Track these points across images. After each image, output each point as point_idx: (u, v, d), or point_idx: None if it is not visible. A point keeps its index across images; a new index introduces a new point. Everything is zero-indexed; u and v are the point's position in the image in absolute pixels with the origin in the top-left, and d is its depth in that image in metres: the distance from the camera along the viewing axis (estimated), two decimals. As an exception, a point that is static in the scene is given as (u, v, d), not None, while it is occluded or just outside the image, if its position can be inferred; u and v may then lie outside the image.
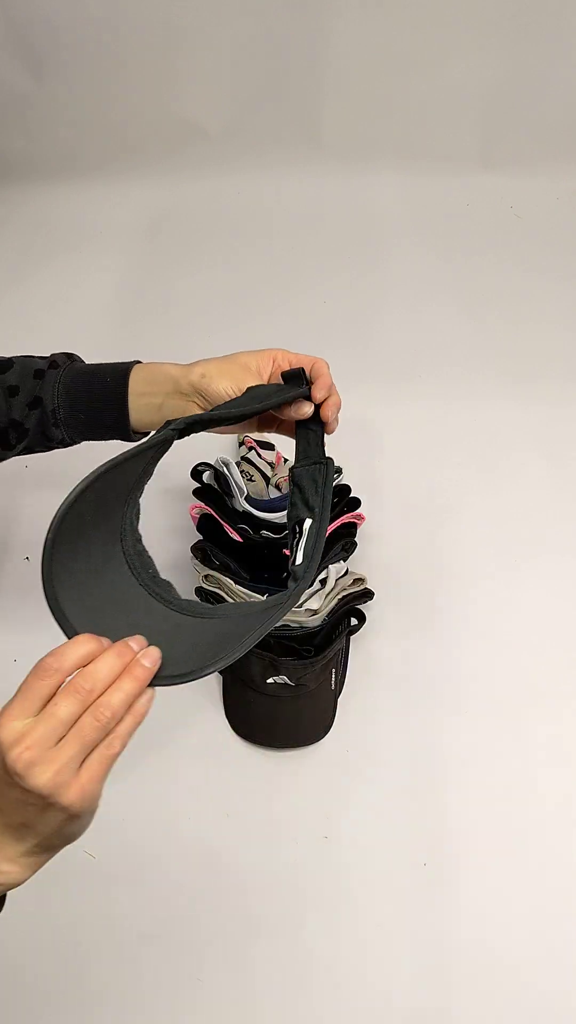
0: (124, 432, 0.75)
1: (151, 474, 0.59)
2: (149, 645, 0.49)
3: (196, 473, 1.07)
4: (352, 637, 1.00)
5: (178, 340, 1.35)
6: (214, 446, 1.18)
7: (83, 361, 0.78)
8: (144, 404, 0.72)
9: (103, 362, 0.75)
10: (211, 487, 1.07)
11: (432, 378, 1.29)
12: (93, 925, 0.83)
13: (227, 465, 1.06)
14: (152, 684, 0.49)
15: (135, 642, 0.49)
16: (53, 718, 0.45)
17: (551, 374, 1.30)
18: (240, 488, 1.05)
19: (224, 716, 0.95)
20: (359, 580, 1.00)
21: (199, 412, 0.69)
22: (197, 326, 1.37)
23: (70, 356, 0.78)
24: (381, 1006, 0.79)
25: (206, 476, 1.07)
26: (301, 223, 1.55)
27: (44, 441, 0.77)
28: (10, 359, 0.75)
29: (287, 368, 0.74)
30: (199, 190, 1.60)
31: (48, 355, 0.77)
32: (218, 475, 1.08)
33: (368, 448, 1.19)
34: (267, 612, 0.53)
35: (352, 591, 0.99)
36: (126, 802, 0.89)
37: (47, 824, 0.47)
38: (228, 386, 0.69)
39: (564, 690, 0.97)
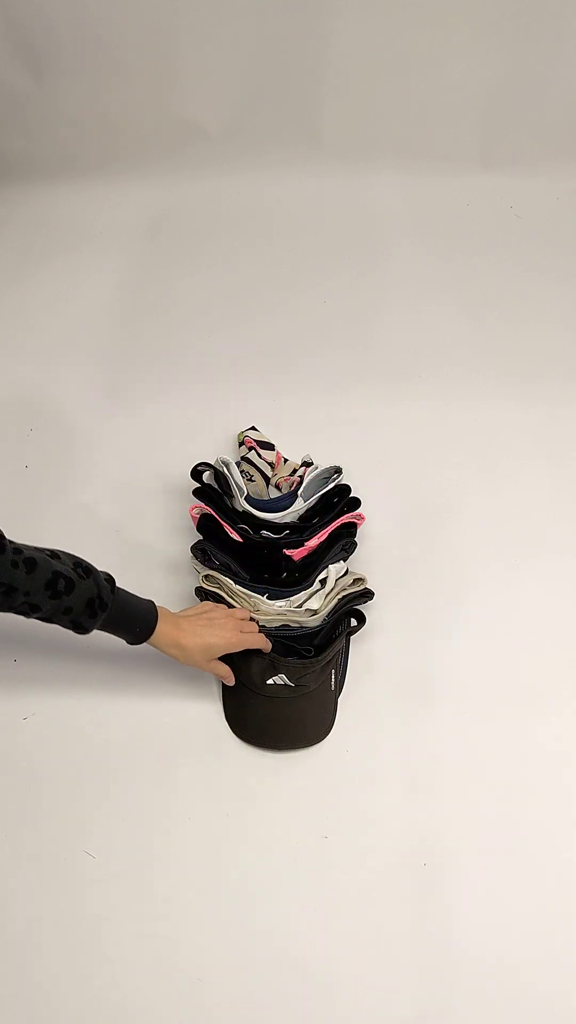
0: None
1: None
2: None
3: (196, 473, 1.07)
4: (352, 637, 1.00)
5: (178, 340, 1.35)
6: (214, 446, 1.19)
7: (116, 590, 0.85)
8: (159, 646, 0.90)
9: (130, 600, 0.86)
10: (211, 487, 1.07)
11: (432, 378, 1.29)
12: (93, 925, 0.83)
13: (227, 465, 1.06)
14: None
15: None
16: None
17: (551, 374, 1.30)
18: (240, 488, 1.05)
19: (223, 718, 0.95)
20: (359, 580, 1.00)
21: None
22: (197, 326, 1.37)
23: (111, 583, 0.85)
24: (381, 1006, 0.79)
25: (206, 476, 1.07)
26: (301, 223, 1.55)
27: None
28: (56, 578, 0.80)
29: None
30: (199, 190, 1.60)
31: (88, 569, 0.83)
32: (218, 475, 1.08)
33: (368, 448, 1.19)
34: None
35: (352, 591, 0.99)
36: (126, 802, 0.89)
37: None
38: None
39: (564, 690, 0.97)
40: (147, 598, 0.89)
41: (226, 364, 1.32)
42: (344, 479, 1.08)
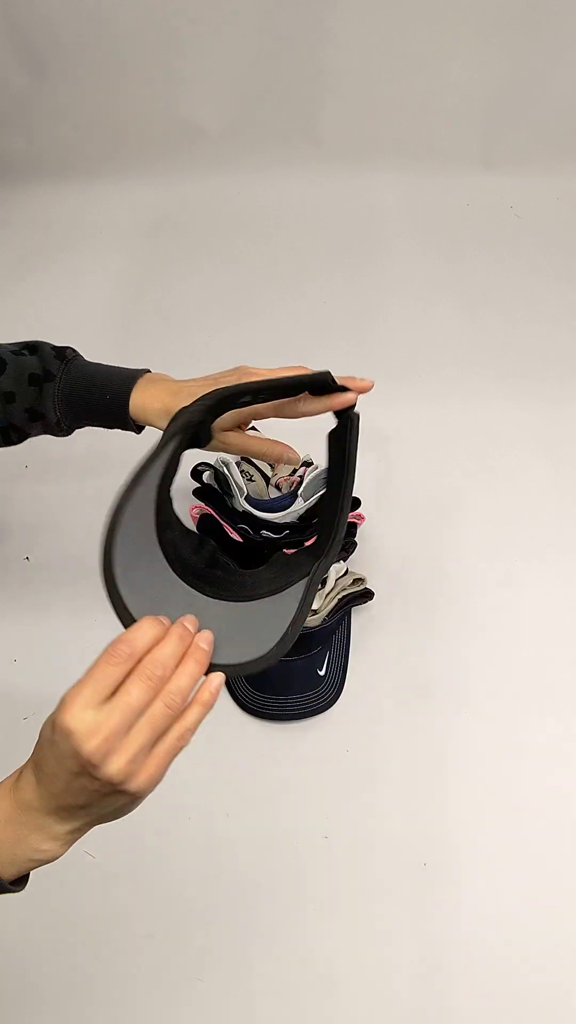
0: (131, 429, 0.75)
1: (178, 464, 0.62)
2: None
3: (196, 473, 1.07)
4: (352, 637, 1.00)
5: (178, 340, 1.35)
6: (214, 446, 1.18)
7: (75, 358, 0.75)
8: (148, 417, 0.73)
9: (99, 368, 0.74)
10: (211, 487, 1.07)
11: (432, 378, 1.29)
12: (93, 925, 0.83)
13: (227, 465, 1.06)
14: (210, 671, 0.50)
15: (190, 623, 0.49)
16: (127, 707, 0.45)
17: (551, 374, 1.30)
18: (240, 488, 1.05)
19: (223, 716, 0.95)
20: (359, 580, 1.00)
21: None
22: (197, 326, 1.37)
23: (61, 355, 0.74)
24: (381, 1006, 0.79)
25: (206, 476, 1.07)
26: (301, 223, 1.55)
27: (46, 434, 0.77)
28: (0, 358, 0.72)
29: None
30: (199, 190, 1.60)
31: (35, 347, 0.73)
32: (218, 475, 1.08)
33: (368, 448, 1.18)
34: (298, 588, 0.56)
35: (352, 591, 0.99)
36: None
37: (108, 807, 0.47)
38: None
39: (565, 690, 0.97)
40: (142, 368, 0.75)
41: (226, 364, 1.31)
42: (344, 479, 1.08)
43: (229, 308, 1.40)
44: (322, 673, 0.96)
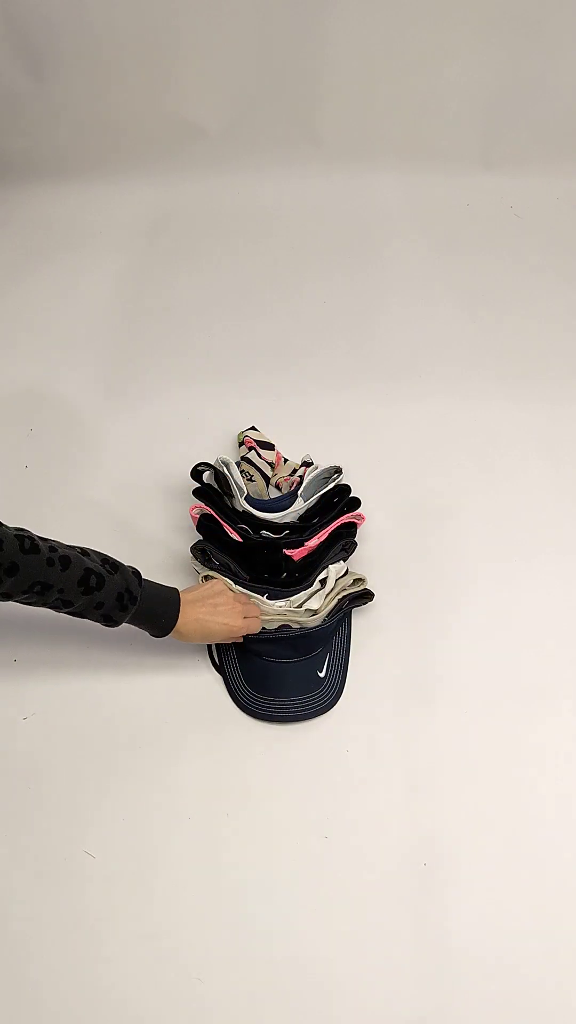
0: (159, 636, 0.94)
1: None
2: None
3: (196, 473, 1.07)
4: (352, 637, 1.00)
5: (178, 340, 1.35)
6: (214, 446, 1.19)
7: (144, 583, 0.88)
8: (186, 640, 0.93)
9: (155, 588, 0.89)
10: (211, 487, 1.07)
11: (432, 378, 1.29)
12: (93, 925, 0.83)
13: (227, 465, 1.06)
14: None
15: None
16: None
17: (551, 374, 1.30)
18: (240, 488, 1.05)
19: (224, 717, 0.95)
20: (359, 580, 1.00)
21: None
22: (197, 326, 1.37)
23: (138, 578, 0.87)
24: (381, 1006, 0.79)
25: (206, 476, 1.07)
26: (301, 223, 1.55)
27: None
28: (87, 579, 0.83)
29: None
30: (199, 190, 1.60)
31: (115, 565, 0.86)
32: (218, 475, 1.08)
33: (368, 448, 1.19)
34: None
35: (352, 591, 0.99)
36: (126, 802, 0.89)
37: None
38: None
39: (564, 689, 0.97)
40: (171, 586, 0.91)
41: (226, 364, 1.32)
42: (344, 479, 1.08)
43: (229, 308, 1.40)
44: (322, 675, 0.96)
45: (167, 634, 0.90)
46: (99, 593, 0.82)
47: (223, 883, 0.85)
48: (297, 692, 0.95)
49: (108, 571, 0.83)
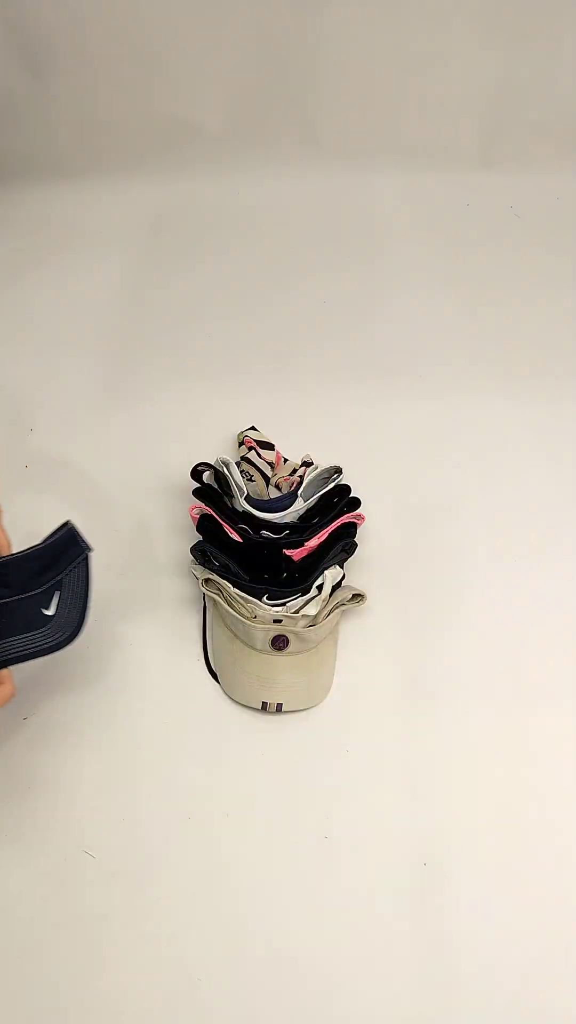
0: None
1: None
2: None
3: (196, 473, 1.07)
4: (352, 637, 1.00)
5: (178, 340, 1.35)
6: (214, 446, 1.19)
7: None
8: None
9: None
10: (211, 487, 1.07)
11: (432, 377, 1.29)
12: (93, 925, 0.83)
13: (227, 465, 1.06)
14: None
15: None
16: None
17: (551, 373, 1.30)
18: (240, 488, 1.05)
19: (224, 718, 0.95)
20: (358, 596, 1.00)
21: None
22: (197, 325, 1.37)
23: None
24: (381, 1006, 0.79)
25: (206, 476, 1.07)
26: (301, 222, 1.54)
27: None
28: None
29: None
30: (199, 189, 1.59)
31: None
32: (218, 475, 1.08)
33: (368, 447, 1.19)
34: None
35: (350, 607, 1.00)
36: (126, 802, 0.89)
37: None
38: None
39: (564, 689, 0.97)
40: None
41: (226, 363, 1.32)
42: (344, 479, 1.08)
43: (228, 307, 1.40)
44: (50, 613, 0.87)
45: None
46: None
47: (223, 883, 0.85)
48: (14, 632, 0.86)
49: None
